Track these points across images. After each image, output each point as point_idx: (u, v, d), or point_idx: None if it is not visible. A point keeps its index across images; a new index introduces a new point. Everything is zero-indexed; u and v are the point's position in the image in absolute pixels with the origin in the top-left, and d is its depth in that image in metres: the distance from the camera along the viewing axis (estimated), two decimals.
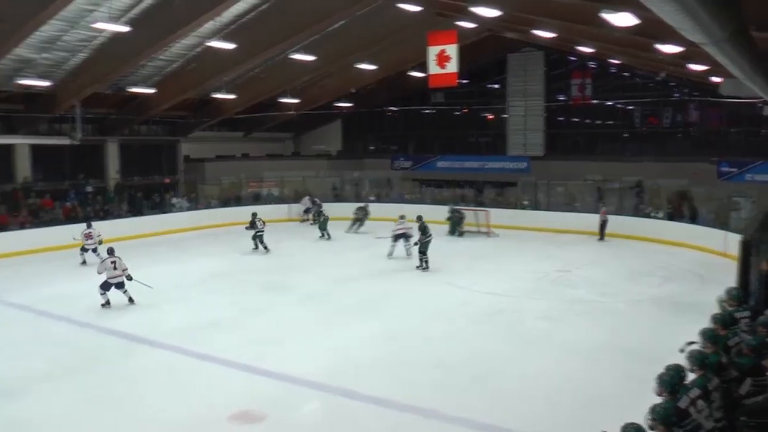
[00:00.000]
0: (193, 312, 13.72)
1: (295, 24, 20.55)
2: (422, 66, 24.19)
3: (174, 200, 27.97)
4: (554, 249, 21.31)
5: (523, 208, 26.79)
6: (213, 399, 9.03)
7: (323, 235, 23.67)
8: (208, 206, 28.58)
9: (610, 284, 16.18)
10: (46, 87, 22.14)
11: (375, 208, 26.68)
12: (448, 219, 24.34)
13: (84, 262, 18.89)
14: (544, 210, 25.97)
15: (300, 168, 32.17)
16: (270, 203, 29.49)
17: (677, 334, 8.29)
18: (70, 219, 23.42)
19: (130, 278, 14.33)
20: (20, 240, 20.91)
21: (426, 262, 18.13)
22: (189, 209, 27.67)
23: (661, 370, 5.77)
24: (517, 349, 11.14)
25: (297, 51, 22.81)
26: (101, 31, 18.97)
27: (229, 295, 15.26)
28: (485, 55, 30.66)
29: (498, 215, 25.16)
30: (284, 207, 29.10)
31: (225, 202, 29.39)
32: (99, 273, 14.29)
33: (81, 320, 13.12)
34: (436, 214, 25.35)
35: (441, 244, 22.24)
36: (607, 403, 8.58)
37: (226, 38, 20.03)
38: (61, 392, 9.36)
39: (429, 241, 18.26)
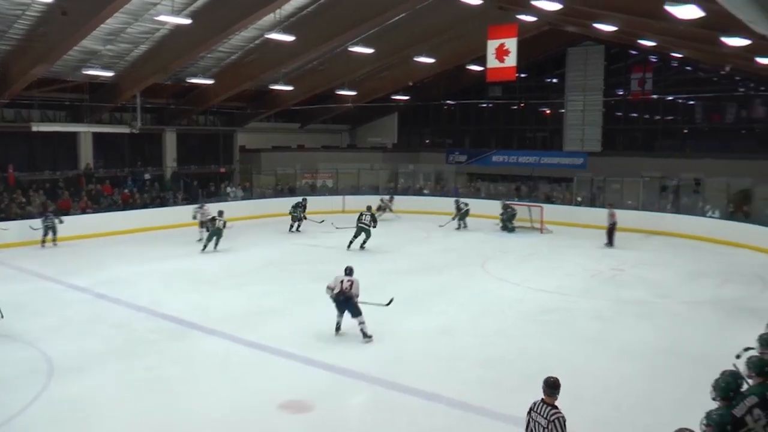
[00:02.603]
0: (246, 300, 13.89)
1: (355, 17, 20.59)
2: (481, 60, 24.02)
3: (229, 189, 28.36)
4: (609, 247, 20.93)
5: (578, 204, 26.41)
6: (263, 386, 9.14)
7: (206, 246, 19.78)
8: (262, 196, 28.92)
9: (667, 285, 15.81)
10: (109, 77, 22.80)
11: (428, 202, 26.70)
12: (501, 215, 24.13)
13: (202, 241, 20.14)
14: (600, 207, 25.51)
15: (355, 160, 32.27)
16: (324, 195, 29.76)
17: (736, 338, 8.08)
18: (128, 205, 24.04)
19: None
20: (81, 224, 21.48)
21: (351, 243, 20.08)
22: (243, 199, 28.03)
23: (718, 375, 5.62)
24: (569, 349, 10.96)
25: (356, 43, 22.85)
26: (163, 23, 19.35)
27: (281, 285, 15.41)
28: (544, 49, 30.32)
29: (553, 211, 24.84)
30: (339, 199, 29.24)
31: (280, 193, 29.70)
32: None
33: (136, 304, 13.42)
34: (490, 209, 25.22)
35: (493, 240, 22.16)
36: (662, 407, 8.41)
37: (286, 30, 20.18)
38: (116, 373, 9.59)
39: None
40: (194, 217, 21.57)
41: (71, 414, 8.26)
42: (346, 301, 11.19)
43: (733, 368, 5.95)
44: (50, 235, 19.94)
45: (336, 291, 11.23)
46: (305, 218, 23.78)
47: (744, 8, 5.15)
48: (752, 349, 6.55)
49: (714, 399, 5.49)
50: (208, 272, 16.72)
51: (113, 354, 10.39)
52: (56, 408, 8.41)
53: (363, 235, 19.97)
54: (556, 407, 5.71)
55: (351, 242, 19.98)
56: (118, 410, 8.40)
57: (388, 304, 11.52)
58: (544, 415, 5.67)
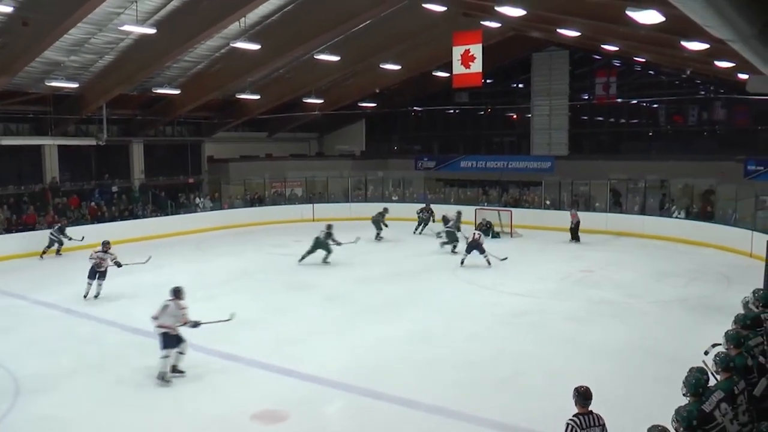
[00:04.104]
0: (218, 311, 13.68)
1: (320, 24, 20.61)
2: (447, 66, 24.18)
3: (198, 200, 28.16)
4: (578, 249, 21.18)
5: (547, 208, 26.64)
6: (237, 397, 9.10)
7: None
8: (231, 206, 28.76)
9: (636, 285, 16.03)
10: (74, 89, 22.54)
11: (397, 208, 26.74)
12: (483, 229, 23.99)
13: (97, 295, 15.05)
14: (568, 209, 25.76)
15: (324, 168, 32.26)
16: (293, 203, 29.72)
17: (704, 335, 8.23)
18: (96, 218, 23.74)
19: None
20: (47, 239, 21.13)
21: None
22: (213, 209, 27.84)
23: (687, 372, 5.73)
24: (543, 350, 11.08)
25: (322, 51, 22.86)
26: (128, 33, 19.19)
27: (253, 295, 15.34)
28: (510, 54, 30.55)
29: (522, 215, 25.04)
30: (308, 207, 29.19)
31: (249, 203, 29.55)
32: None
33: (106, 318, 13.25)
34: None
35: (464, 245, 22.22)
36: (634, 405, 8.51)
37: (252, 39, 20.13)
38: (88, 389, 9.48)
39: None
40: (96, 265, 14.78)
41: None
42: (476, 246, 18.21)
43: (702, 365, 6.07)
44: (54, 247, 20.55)
45: (469, 240, 18.36)
46: (386, 226, 23.96)
47: (701, 13, 5.25)
48: (719, 345, 6.70)
49: (685, 395, 5.60)
50: (179, 284, 16.51)
51: (84, 370, 10.26)
52: (25, 428, 8.28)
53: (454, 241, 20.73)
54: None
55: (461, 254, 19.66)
56: (91, 427, 8.30)
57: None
58: (596, 424, 5.68)
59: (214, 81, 25.19)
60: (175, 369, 10.05)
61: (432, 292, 15.59)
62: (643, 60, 27.44)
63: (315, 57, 23.24)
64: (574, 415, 5.71)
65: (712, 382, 5.90)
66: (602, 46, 24.16)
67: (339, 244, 19.19)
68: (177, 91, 25.07)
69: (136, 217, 25.08)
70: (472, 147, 35.23)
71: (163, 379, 9.74)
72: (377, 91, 32.65)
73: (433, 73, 28.89)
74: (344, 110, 33.62)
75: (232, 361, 10.63)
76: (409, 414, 8.58)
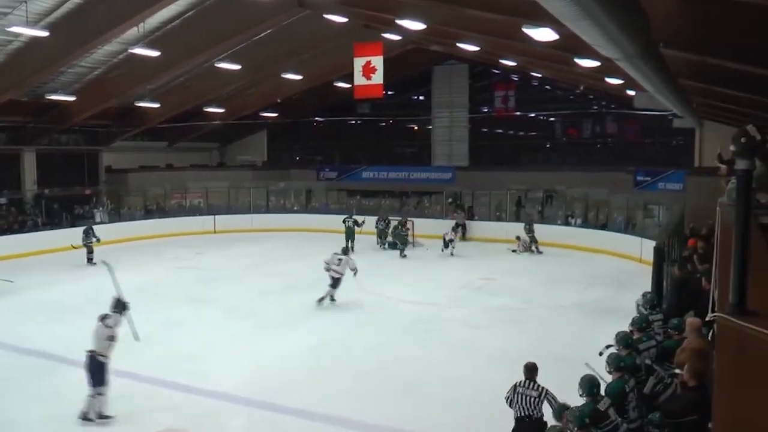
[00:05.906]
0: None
1: (221, 32, 20.31)
2: (348, 77, 24.29)
3: (96, 211, 27.14)
4: (477, 258, 21.64)
5: (447, 217, 27.04)
6: (137, 417, 8.86)
7: None
8: (131, 218, 27.87)
9: (533, 291, 16.54)
10: None
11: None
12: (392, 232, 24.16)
13: None
14: (468, 220, 26.25)
15: (225, 179, 31.73)
16: (194, 215, 29.10)
17: (599, 338, 8.56)
18: None
19: None
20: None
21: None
22: (111, 221, 26.89)
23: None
24: (442, 358, 11.27)
25: (223, 59, 22.54)
26: (17, 35, 18.33)
27: (152, 309, 14.77)
28: (411, 66, 30.95)
29: (424, 225, 25.34)
30: (210, 219, 28.65)
31: (149, 215, 28.72)
32: None
33: None
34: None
35: (366, 255, 22.33)
36: None
37: (151, 45, 19.62)
38: None
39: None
40: None
41: None
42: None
43: (587, 368, 6.38)
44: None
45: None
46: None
47: (589, 31, 5.50)
48: (612, 346, 7.00)
49: (581, 396, 5.84)
50: (72, 301, 15.82)
51: None
52: None
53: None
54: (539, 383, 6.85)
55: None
56: None
57: None
58: (535, 389, 6.83)
59: (111, 88, 24.36)
60: (331, 298, 14.92)
61: (333, 303, 15.57)
62: (540, 75, 28.39)
63: (216, 65, 22.91)
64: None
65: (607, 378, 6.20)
66: (501, 60, 24.80)
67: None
68: (72, 98, 24.11)
69: (27, 229, 23.94)
70: (374, 158, 35.47)
71: (323, 301, 14.82)
72: (279, 101, 32.45)
73: (335, 84, 28.99)
74: (246, 120, 33.18)
75: (130, 379, 10.26)
76: (310, 426, 8.57)
